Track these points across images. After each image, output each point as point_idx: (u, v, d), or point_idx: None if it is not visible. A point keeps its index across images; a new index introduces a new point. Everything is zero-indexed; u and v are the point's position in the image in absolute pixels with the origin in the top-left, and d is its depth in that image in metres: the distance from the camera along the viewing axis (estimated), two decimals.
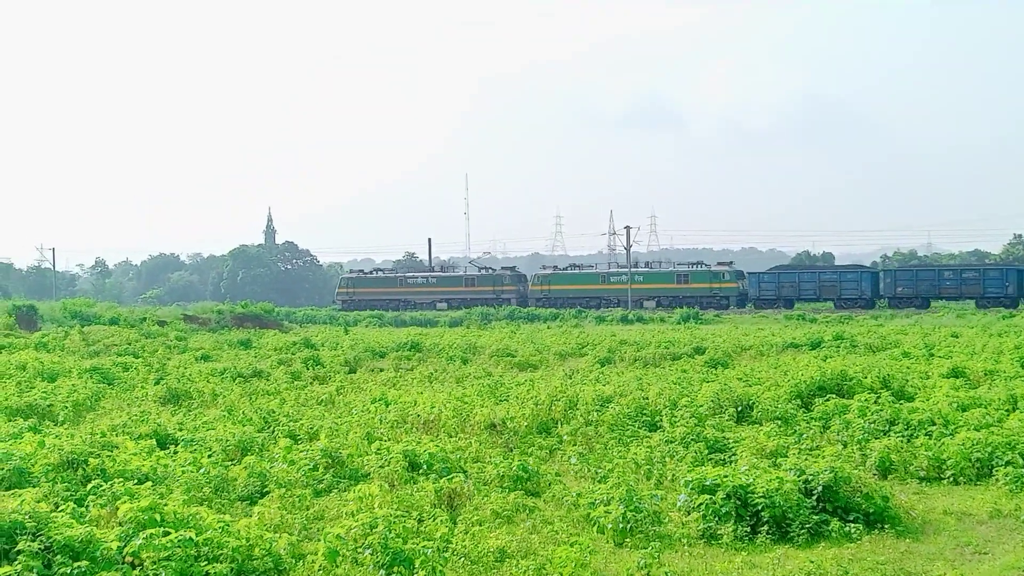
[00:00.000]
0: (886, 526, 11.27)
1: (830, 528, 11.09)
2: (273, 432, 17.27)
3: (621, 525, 11.06)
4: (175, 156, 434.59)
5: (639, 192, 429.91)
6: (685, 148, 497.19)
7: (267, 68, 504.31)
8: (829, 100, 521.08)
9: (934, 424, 16.16)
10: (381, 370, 31.00)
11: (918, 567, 10.00)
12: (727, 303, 79.37)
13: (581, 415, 18.14)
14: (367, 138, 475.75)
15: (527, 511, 11.92)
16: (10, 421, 18.76)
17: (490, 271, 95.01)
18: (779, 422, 17.11)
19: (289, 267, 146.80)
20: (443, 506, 11.95)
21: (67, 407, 20.93)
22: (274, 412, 19.67)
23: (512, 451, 15.74)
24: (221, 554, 9.17)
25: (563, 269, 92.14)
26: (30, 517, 9.41)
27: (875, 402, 17.82)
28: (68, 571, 8.55)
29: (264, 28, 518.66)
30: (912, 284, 74.06)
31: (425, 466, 13.75)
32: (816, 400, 18.77)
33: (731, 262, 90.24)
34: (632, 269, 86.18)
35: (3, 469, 12.80)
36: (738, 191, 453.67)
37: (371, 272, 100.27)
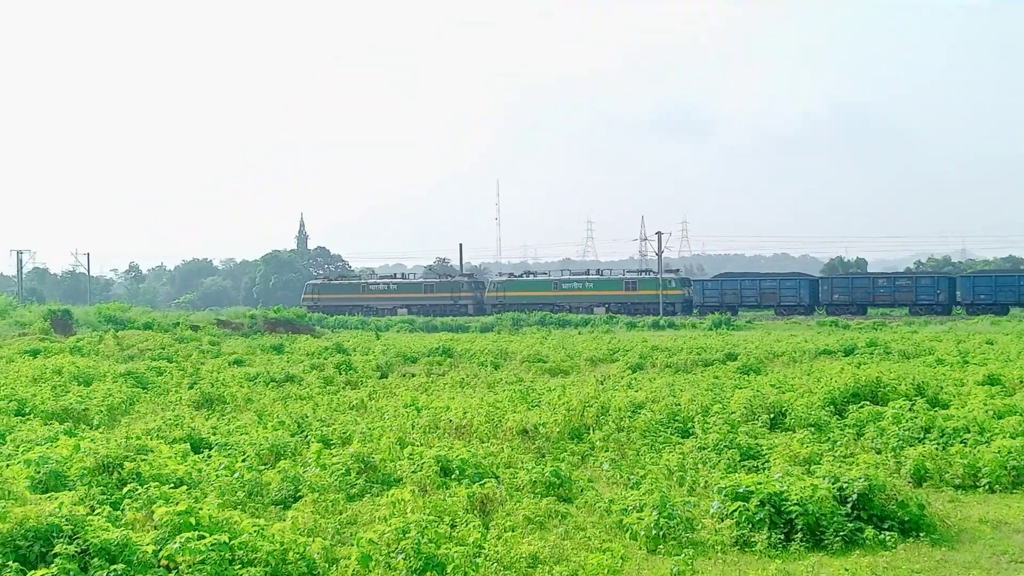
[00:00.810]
0: (921, 534, 11.20)
1: (865, 536, 11.02)
2: (306, 437, 17.34)
3: (654, 532, 11.04)
4: (208, 162, 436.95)
5: (671, 198, 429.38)
6: (716, 154, 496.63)
7: (304, 72, 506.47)
8: (861, 107, 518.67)
9: (969, 432, 16.01)
10: (413, 375, 31.08)
11: None
12: (673, 309, 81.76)
13: (613, 421, 18.10)
14: (404, 143, 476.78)
15: (559, 517, 11.91)
16: (46, 425, 18.93)
17: (449, 278, 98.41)
18: (813, 429, 17.02)
19: (321, 272, 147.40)
20: (475, 511, 11.95)
21: (102, 411, 21.11)
22: (307, 417, 19.76)
23: (544, 457, 15.73)
24: (255, 558, 9.22)
25: (518, 276, 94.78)
26: (66, 520, 9.48)
27: (910, 409, 17.69)
28: (104, 574, 8.60)
29: (292, 29, 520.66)
30: (848, 292, 77.16)
31: (457, 471, 13.76)
32: (850, 407, 18.65)
33: (678, 270, 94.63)
34: (583, 276, 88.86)
35: (39, 472, 12.89)
36: (770, 197, 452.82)
37: (336, 279, 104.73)
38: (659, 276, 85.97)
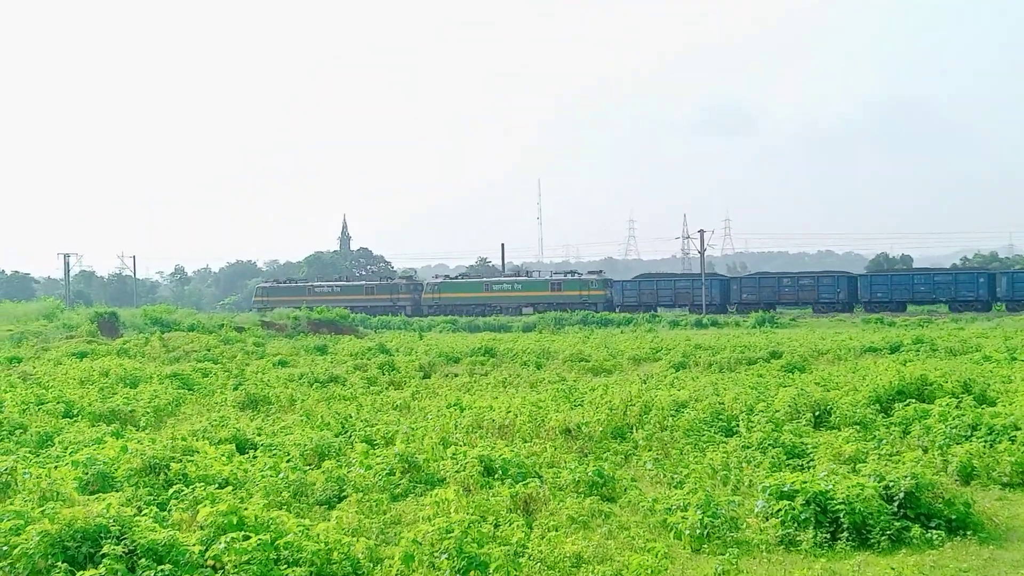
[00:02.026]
0: (968, 533, 11.08)
1: (911, 535, 10.93)
2: (350, 437, 17.41)
3: (698, 531, 11.00)
4: (252, 164, 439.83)
5: (714, 196, 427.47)
6: (760, 152, 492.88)
7: (350, 73, 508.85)
8: (906, 102, 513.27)
9: (1017, 429, 15.81)
10: (455, 375, 31.13)
11: (1001, 574, 9.82)
12: (595, 309, 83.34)
13: (656, 420, 18.05)
14: (447, 144, 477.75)
15: (603, 517, 11.89)
16: (94, 426, 19.14)
17: (388, 281, 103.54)
18: (858, 427, 16.88)
19: (363, 273, 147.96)
20: (519, 511, 11.96)
21: (148, 412, 21.31)
22: (351, 417, 19.84)
23: (587, 456, 15.72)
24: (300, 558, 9.27)
25: (453, 279, 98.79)
26: (114, 521, 9.56)
27: (956, 407, 17.51)
28: (152, 574, 8.68)
29: (345, 27, 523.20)
30: (756, 291, 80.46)
31: (500, 471, 13.77)
32: (896, 405, 18.47)
33: (601, 271, 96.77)
34: (513, 278, 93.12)
35: (87, 474, 13.02)
36: (813, 194, 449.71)
37: (284, 281, 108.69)
38: (581, 277, 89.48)
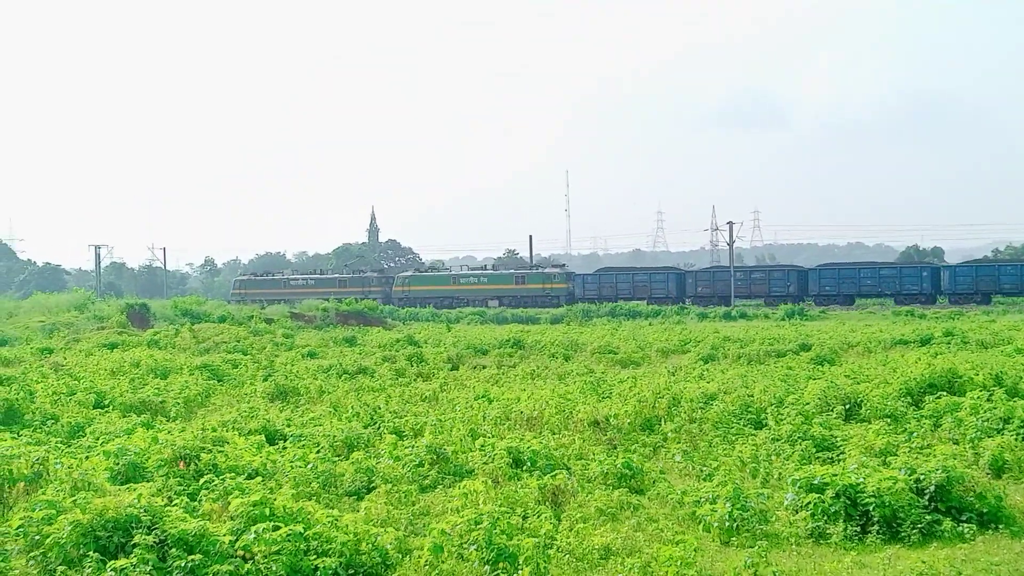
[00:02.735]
0: (1000, 526, 11.01)
1: (942, 528, 10.86)
2: (379, 428, 17.46)
3: (727, 524, 10.97)
4: (281, 156, 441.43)
5: (743, 188, 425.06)
6: (789, 143, 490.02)
7: (380, 65, 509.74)
8: (937, 92, 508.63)
9: None
10: (484, 367, 31.13)
11: None
12: (557, 302, 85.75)
13: (685, 412, 18.01)
14: (474, 136, 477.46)
15: (631, 509, 11.88)
16: (124, 417, 19.27)
17: (360, 274, 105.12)
18: (888, 420, 16.78)
19: (392, 265, 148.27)
20: (547, 503, 11.97)
21: (179, 403, 21.43)
22: (379, 408, 19.90)
23: (616, 448, 15.71)
24: (330, 548, 9.31)
25: (422, 271, 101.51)
26: (145, 511, 9.64)
27: (988, 399, 17.37)
28: (182, 564, 8.73)
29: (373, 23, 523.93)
30: (710, 284, 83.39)
31: (529, 463, 13.79)
32: (926, 398, 18.34)
33: (563, 265, 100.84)
34: (479, 272, 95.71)
35: (118, 464, 13.10)
36: (843, 186, 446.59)
37: (261, 274, 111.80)
38: (544, 271, 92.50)
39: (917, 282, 75.68)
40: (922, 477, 11.54)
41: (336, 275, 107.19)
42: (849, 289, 77.76)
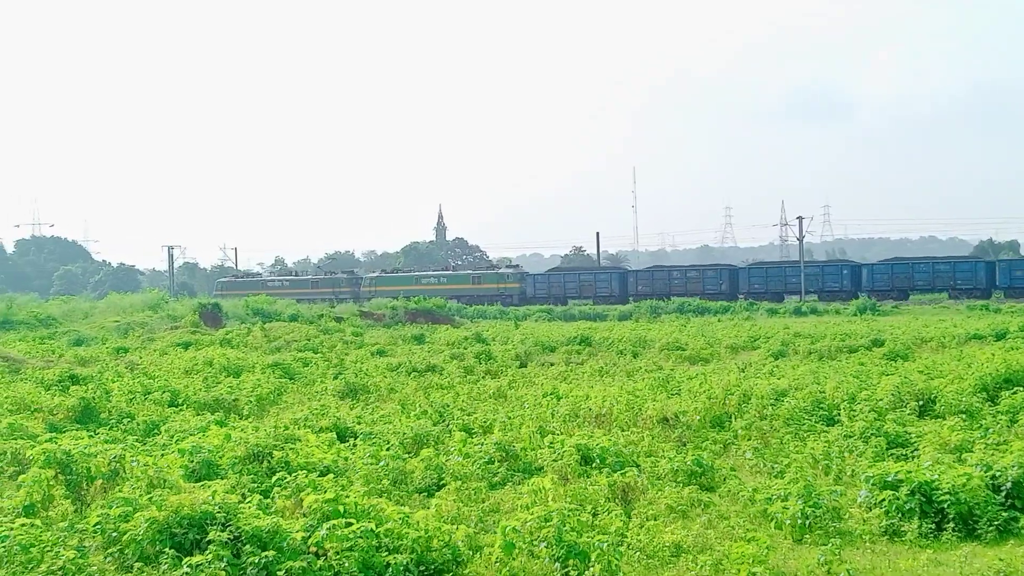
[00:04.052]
0: None
1: (1020, 525, 10.70)
2: (448, 426, 17.54)
3: (800, 521, 10.87)
4: (352, 155, 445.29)
5: (812, 182, 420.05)
6: (858, 136, 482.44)
7: (445, 67, 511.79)
8: (1010, 82, 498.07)
9: None
10: (551, 364, 31.12)
11: None
12: (511, 301, 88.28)
13: (755, 409, 17.87)
14: (542, 135, 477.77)
15: (702, 506, 11.82)
16: (198, 415, 19.52)
17: (331, 275, 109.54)
18: (964, 416, 16.49)
19: (459, 263, 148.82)
20: (617, 500, 11.95)
21: (251, 401, 21.68)
22: (448, 406, 19.98)
23: (685, 445, 15.63)
24: (401, 545, 9.37)
25: (387, 273, 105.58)
26: (219, 508, 9.77)
27: None
28: (256, 560, 8.83)
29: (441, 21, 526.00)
30: (650, 283, 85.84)
31: (598, 460, 13.76)
32: (1002, 393, 18.03)
33: (518, 265, 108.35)
34: (440, 272, 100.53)
35: (193, 461, 13.28)
36: (914, 179, 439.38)
37: (241, 276, 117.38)
38: (499, 271, 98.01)
39: (838, 279, 79.94)
40: (998, 474, 11.38)
41: (309, 277, 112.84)
42: (777, 287, 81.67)
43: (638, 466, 13.64)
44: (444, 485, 12.91)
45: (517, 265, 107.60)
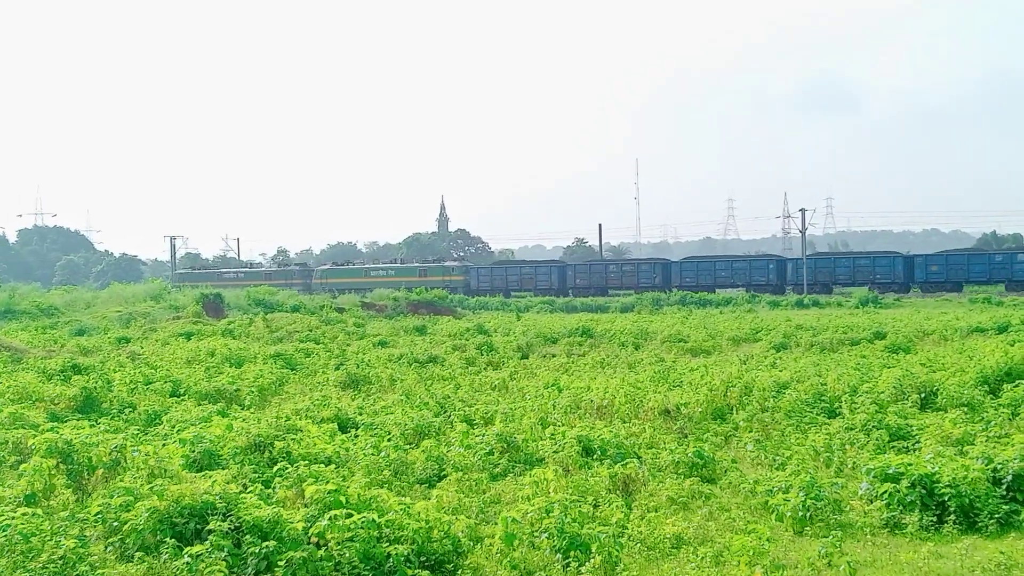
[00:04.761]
0: None
1: (1021, 518, 10.69)
2: (449, 417, 17.55)
3: (800, 513, 10.86)
4: (353, 146, 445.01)
5: (815, 174, 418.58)
6: (862, 128, 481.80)
7: (448, 62, 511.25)
8: (1015, 75, 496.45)
9: None
10: (553, 356, 31.13)
11: None
12: (456, 293, 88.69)
13: (757, 401, 17.87)
14: (545, 126, 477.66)
15: (703, 498, 11.82)
16: (200, 405, 19.55)
17: (285, 267, 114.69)
18: (965, 409, 16.47)
19: (461, 254, 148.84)
20: (618, 491, 11.95)
21: (253, 392, 21.67)
22: (450, 397, 20.01)
23: (687, 437, 15.63)
24: (402, 536, 9.37)
25: (338, 266, 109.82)
26: (220, 498, 9.77)
27: None
28: (257, 550, 8.84)
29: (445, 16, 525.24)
30: (587, 277, 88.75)
31: (599, 451, 13.77)
32: (1004, 386, 18.02)
33: (463, 257, 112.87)
34: (388, 265, 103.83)
35: (194, 451, 13.30)
36: (918, 171, 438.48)
37: (198, 268, 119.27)
38: (444, 264, 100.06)
39: (764, 274, 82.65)
40: (999, 466, 11.38)
41: (263, 269, 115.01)
42: (707, 280, 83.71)
43: (639, 458, 13.65)
44: (445, 476, 12.91)
45: (462, 258, 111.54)
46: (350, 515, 9.34)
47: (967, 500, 10.78)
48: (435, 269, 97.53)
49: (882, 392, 17.93)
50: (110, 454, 12.40)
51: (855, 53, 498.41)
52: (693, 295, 74.15)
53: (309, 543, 9.09)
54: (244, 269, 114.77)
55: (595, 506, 10.98)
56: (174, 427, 16.47)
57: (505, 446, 14.13)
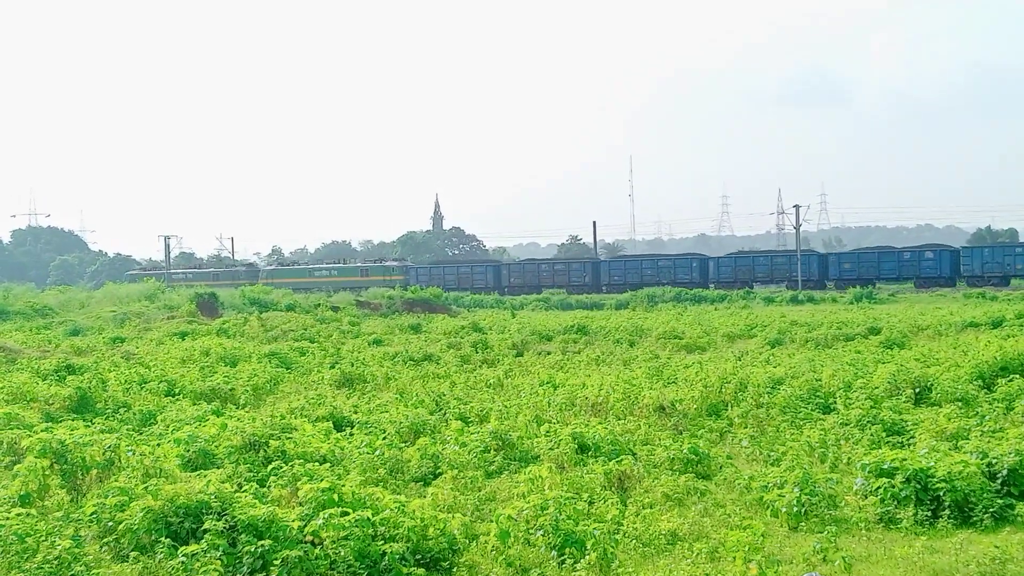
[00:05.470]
0: None
1: (1015, 512, 10.71)
2: (444, 415, 17.54)
3: (795, 509, 10.88)
4: (346, 145, 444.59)
5: (809, 171, 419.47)
6: (855, 124, 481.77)
7: (444, 58, 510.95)
8: (1008, 69, 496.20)
9: None
10: (548, 353, 31.12)
11: None
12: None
13: (752, 397, 17.88)
14: (541, 124, 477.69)
15: (698, 494, 11.83)
16: (195, 405, 19.52)
17: (232, 268, 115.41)
18: (960, 404, 16.50)
19: (456, 252, 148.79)
20: (613, 488, 11.96)
21: (248, 391, 21.66)
22: (445, 395, 19.98)
23: (681, 434, 15.63)
24: (397, 533, 9.37)
25: (283, 266, 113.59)
26: (215, 497, 9.77)
27: None
28: (252, 550, 8.83)
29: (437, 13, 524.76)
30: (521, 275, 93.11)
31: (594, 448, 13.78)
32: (999, 381, 18.05)
33: (404, 259, 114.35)
34: (331, 265, 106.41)
35: (189, 451, 13.30)
36: (911, 166, 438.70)
37: (149, 268, 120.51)
38: (384, 264, 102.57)
39: (688, 272, 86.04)
40: (994, 461, 11.40)
41: (211, 269, 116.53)
42: (635, 279, 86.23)
43: (634, 454, 13.66)
44: (440, 474, 12.92)
45: (403, 259, 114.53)
46: (345, 513, 9.34)
47: (962, 495, 10.79)
48: (376, 269, 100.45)
49: (877, 387, 17.95)
50: (105, 454, 12.37)
51: (844, 49, 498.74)
52: (617, 293, 77.78)
53: (304, 542, 9.09)
54: (193, 269, 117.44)
55: (590, 503, 10.99)
56: (169, 427, 16.45)
57: (500, 444, 14.14)
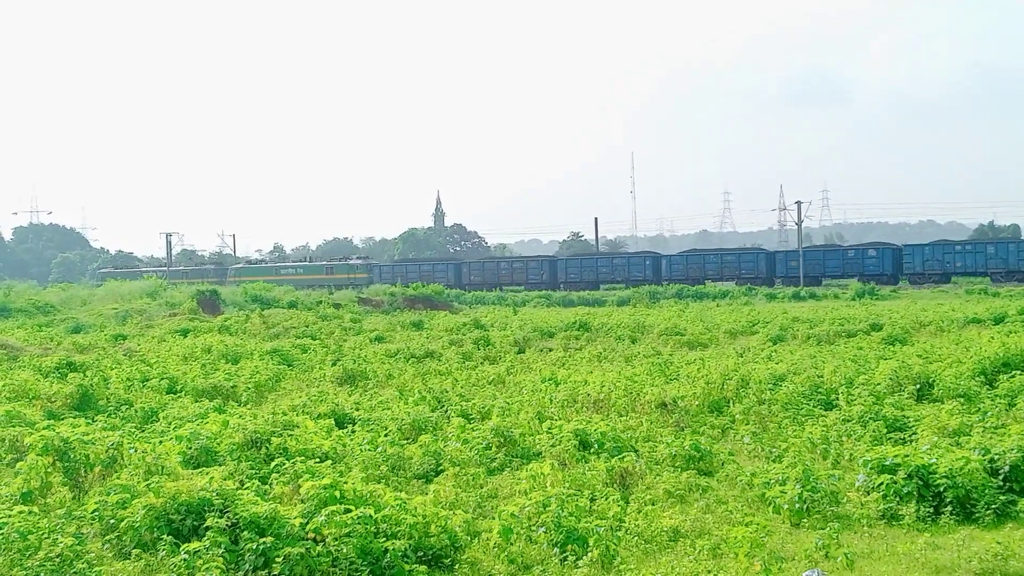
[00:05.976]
0: None
1: (1018, 509, 10.70)
2: (446, 412, 17.54)
3: (797, 505, 10.86)
4: (347, 143, 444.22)
5: (811, 167, 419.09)
6: (858, 121, 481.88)
7: (449, 57, 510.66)
8: (1009, 67, 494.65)
9: None
10: (550, 350, 31.11)
11: None
12: (361, 289, 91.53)
13: (754, 394, 17.85)
14: (544, 121, 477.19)
15: (700, 491, 11.82)
16: (196, 402, 19.52)
17: (200, 267, 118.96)
18: (962, 400, 16.49)
19: (458, 249, 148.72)
20: (615, 485, 11.95)
21: (249, 388, 21.67)
22: (447, 392, 19.97)
23: (683, 430, 15.62)
24: (399, 531, 9.37)
25: (251, 264, 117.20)
26: (217, 495, 9.76)
27: None
28: (254, 547, 8.82)
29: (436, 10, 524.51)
30: (480, 273, 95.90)
31: (596, 445, 13.78)
32: (1001, 377, 18.03)
33: (367, 256, 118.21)
34: (297, 264, 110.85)
35: (191, 448, 13.30)
36: (913, 165, 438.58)
37: (121, 267, 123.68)
38: (349, 262, 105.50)
39: (641, 270, 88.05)
40: (996, 457, 11.38)
41: (181, 267, 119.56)
42: (591, 276, 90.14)
43: (636, 451, 13.64)
44: (442, 471, 12.93)
45: (367, 257, 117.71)
46: (347, 510, 9.34)
47: (964, 491, 10.78)
48: (340, 267, 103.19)
49: (879, 384, 17.95)
50: (107, 451, 12.36)
51: (844, 49, 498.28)
52: (574, 292, 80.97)
53: (306, 539, 9.09)
54: (162, 268, 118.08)
55: (592, 500, 10.99)
56: (171, 424, 16.46)
57: (502, 440, 14.14)
